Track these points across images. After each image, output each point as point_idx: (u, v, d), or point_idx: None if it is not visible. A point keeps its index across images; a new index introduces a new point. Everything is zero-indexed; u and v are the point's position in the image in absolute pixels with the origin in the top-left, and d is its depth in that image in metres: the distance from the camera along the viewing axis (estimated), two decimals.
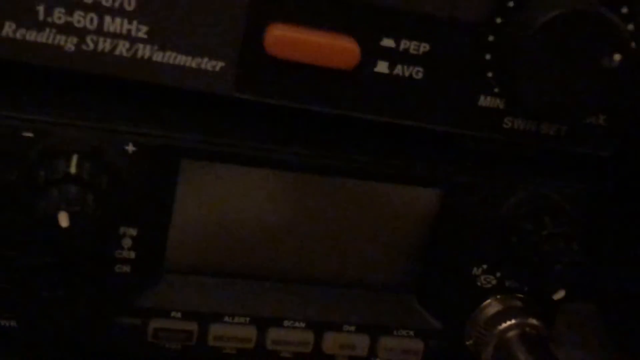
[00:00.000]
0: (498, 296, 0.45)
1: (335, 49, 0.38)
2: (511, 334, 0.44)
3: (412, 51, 0.39)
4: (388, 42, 0.38)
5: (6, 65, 0.37)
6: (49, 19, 0.36)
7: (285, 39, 0.37)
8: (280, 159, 0.40)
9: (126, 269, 0.41)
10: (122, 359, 0.43)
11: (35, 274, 0.39)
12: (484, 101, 0.40)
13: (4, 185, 0.37)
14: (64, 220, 0.34)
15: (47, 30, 0.36)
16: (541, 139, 0.42)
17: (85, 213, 0.35)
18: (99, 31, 0.37)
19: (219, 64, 0.38)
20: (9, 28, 0.36)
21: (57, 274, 0.39)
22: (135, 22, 0.37)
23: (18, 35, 0.36)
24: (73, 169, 0.36)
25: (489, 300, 0.45)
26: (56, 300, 0.39)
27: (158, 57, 0.37)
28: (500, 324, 0.45)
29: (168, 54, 0.37)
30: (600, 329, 0.53)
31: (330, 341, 0.44)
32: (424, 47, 0.39)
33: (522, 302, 0.46)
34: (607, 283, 0.51)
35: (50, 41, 0.36)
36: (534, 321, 0.45)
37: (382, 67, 0.39)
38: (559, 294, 0.42)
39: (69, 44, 0.37)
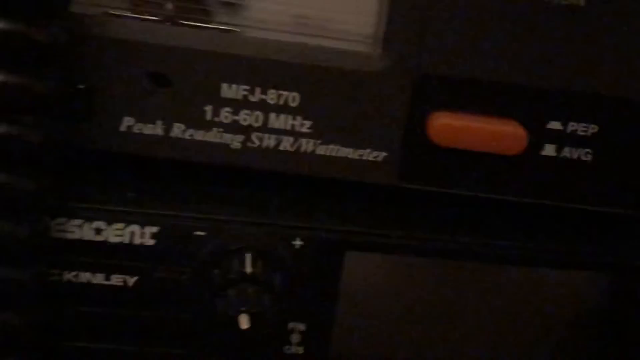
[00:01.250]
0: None
1: (502, 134, 0.37)
2: None
3: (580, 133, 0.38)
4: (555, 125, 0.37)
5: (174, 164, 0.38)
6: (216, 119, 0.37)
7: (450, 127, 0.37)
8: (445, 248, 0.39)
9: None
10: None
11: None
12: None
13: (176, 285, 0.37)
14: (244, 322, 0.34)
15: (215, 129, 0.37)
16: None
17: (263, 313, 0.35)
18: (264, 128, 0.37)
19: (382, 154, 0.38)
20: (177, 129, 0.37)
21: None
22: (299, 118, 0.37)
23: (187, 136, 0.37)
24: (248, 269, 0.36)
25: None
26: None
27: (321, 150, 0.38)
28: None
29: (331, 147, 0.37)
30: None
31: None
32: (593, 128, 0.38)
33: None
34: None
35: (217, 140, 0.37)
36: None
37: (549, 150, 0.38)
38: None
39: (235, 141, 0.37)
